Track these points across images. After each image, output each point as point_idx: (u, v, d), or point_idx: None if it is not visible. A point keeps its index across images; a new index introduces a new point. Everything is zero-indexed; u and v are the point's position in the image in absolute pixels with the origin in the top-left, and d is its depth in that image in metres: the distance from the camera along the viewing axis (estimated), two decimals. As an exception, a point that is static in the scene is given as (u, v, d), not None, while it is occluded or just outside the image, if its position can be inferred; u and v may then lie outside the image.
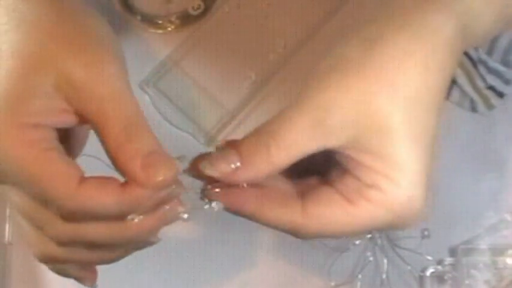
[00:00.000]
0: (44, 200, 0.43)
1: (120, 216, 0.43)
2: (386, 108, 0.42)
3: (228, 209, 0.45)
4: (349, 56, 0.43)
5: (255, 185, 0.45)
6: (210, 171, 0.44)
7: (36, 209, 0.44)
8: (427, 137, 0.43)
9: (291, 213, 0.44)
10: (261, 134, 0.43)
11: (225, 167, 0.43)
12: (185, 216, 0.44)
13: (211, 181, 0.44)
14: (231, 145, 0.44)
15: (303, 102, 0.43)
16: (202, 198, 0.45)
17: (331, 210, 0.44)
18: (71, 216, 0.43)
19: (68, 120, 0.44)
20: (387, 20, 0.44)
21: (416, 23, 0.43)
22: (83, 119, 0.43)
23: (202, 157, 0.45)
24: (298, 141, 0.42)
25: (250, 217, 0.45)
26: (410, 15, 0.43)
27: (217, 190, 0.44)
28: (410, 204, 0.43)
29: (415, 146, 0.43)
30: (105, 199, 0.42)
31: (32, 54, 0.42)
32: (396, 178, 0.43)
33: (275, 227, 0.45)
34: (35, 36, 0.43)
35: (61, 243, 0.45)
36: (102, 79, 0.43)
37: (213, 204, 0.44)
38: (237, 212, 0.45)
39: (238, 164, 0.43)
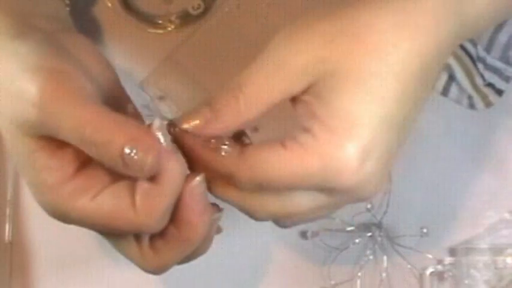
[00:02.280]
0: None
1: None
2: (342, 56, 0.41)
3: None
4: (317, 11, 0.43)
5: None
6: (183, 125, 0.44)
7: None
8: (384, 96, 0.41)
9: (229, 154, 0.44)
10: (230, 87, 0.44)
11: (197, 120, 0.44)
12: None
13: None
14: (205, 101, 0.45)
15: (266, 50, 0.44)
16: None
17: (264, 153, 0.43)
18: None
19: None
20: None
21: None
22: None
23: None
24: (264, 89, 0.43)
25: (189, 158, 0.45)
26: None
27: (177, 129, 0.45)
28: (344, 158, 0.41)
29: (363, 99, 0.41)
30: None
31: None
32: (331, 124, 0.41)
33: (211, 169, 0.44)
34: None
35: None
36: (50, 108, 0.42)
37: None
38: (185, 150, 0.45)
39: (209, 117, 0.44)
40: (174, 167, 0.43)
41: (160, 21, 0.62)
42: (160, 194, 0.43)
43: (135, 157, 0.41)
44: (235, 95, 0.43)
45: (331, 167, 0.41)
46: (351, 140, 0.41)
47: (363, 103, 0.41)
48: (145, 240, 0.46)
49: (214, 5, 0.62)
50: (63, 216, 0.44)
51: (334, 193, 0.43)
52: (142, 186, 0.43)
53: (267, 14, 0.62)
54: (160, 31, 0.62)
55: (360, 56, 0.41)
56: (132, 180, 0.44)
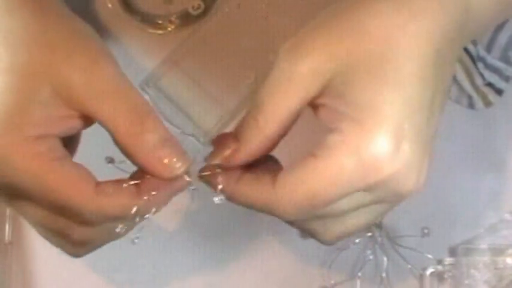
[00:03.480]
0: (61, 209, 0.43)
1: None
2: (349, 50, 0.41)
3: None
4: (320, 16, 0.43)
5: None
6: (211, 159, 0.45)
7: (52, 219, 0.44)
8: (404, 80, 0.41)
9: (262, 187, 0.43)
10: (249, 111, 0.44)
11: (223, 152, 0.44)
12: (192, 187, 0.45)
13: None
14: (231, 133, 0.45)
15: (276, 65, 0.43)
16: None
17: (297, 172, 0.42)
18: (89, 221, 0.43)
19: (72, 126, 0.44)
20: None
21: None
22: (89, 121, 0.44)
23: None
24: (278, 101, 0.43)
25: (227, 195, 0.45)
26: None
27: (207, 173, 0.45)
28: (378, 146, 0.40)
29: (384, 87, 0.40)
30: (123, 202, 0.43)
31: (23, 66, 0.42)
32: (354, 117, 0.40)
33: (251, 205, 0.44)
34: (24, 48, 0.42)
35: (82, 243, 0.46)
36: (102, 78, 0.43)
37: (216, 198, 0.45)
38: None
39: (234, 145, 0.44)
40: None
41: (160, 22, 0.62)
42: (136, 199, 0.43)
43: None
44: (253, 116, 0.43)
45: (367, 160, 0.40)
46: (380, 127, 0.40)
47: (381, 89, 0.40)
48: None
49: (214, 5, 0.62)
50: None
51: (376, 189, 0.42)
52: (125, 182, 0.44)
53: (267, 14, 0.62)
54: (161, 31, 0.62)
55: (367, 45, 0.41)
56: None
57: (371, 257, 0.59)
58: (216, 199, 0.44)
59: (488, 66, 0.60)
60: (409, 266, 0.59)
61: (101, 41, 0.46)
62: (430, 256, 0.59)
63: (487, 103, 0.61)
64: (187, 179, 0.44)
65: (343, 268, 0.59)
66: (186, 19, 0.62)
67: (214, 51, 0.62)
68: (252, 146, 0.44)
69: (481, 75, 0.60)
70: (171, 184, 0.44)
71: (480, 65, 0.60)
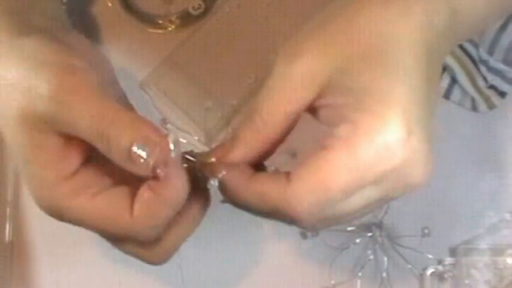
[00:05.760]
0: (116, 239, 0.46)
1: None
2: (345, 47, 0.41)
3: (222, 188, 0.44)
4: (315, 19, 0.43)
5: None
6: (206, 157, 0.45)
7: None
8: (403, 69, 0.40)
9: (277, 184, 0.42)
10: (247, 113, 0.44)
11: (220, 151, 0.45)
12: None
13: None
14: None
15: (274, 70, 0.43)
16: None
17: (311, 166, 0.41)
18: (141, 240, 0.45)
19: (76, 158, 0.45)
20: None
21: None
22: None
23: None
24: (277, 105, 0.43)
25: (232, 197, 0.44)
26: None
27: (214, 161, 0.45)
28: (385, 132, 0.39)
29: (385, 74, 0.40)
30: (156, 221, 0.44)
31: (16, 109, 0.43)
32: (366, 106, 0.40)
33: (265, 204, 0.43)
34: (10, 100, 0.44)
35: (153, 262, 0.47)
36: (73, 92, 0.43)
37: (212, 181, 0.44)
38: (227, 188, 0.44)
39: (231, 144, 0.44)
40: (179, 180, 0.43)
41: (160, 21, 0.62)
42: (160, 205, 0.43)
43: (143, 153, 0.41)
44: (251, 117, 0.44)
45: (380, 147, 0.40)
46: (391, 113, 0.40)
47: (384, 78, 0.40)
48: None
49: (214, 5, 0.62)
50: (59, 213, 0.44)
51: (387, 180, 0.41)
52: (143, 194, 0.43)
53: (267, 14, 0.62)
54: (161, 31, 0.62)
55: (361, 39, 0.41)
56: (133, 188, 0.44)
57: (371, 257, 0.59)
58: (212, 182, 0.44)
59: (491, 69, 0.60)
60: (410, 266, 0.59)
61: (88, 50, 0.47)
62: (430, 256, 0.59)
63: (491, 105, 0.61)
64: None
65: (344, 268, 0.59)
66: (186, 19, 0.62)
67: (214, 51, 0.62)
68: (249, 147, 0.44)
69: (484, 77, 0.60)
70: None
71: (483, 68, 0.60)
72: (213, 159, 0.45)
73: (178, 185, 0.43)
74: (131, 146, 0.41)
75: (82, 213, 0.44)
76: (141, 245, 0.45)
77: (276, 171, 0.45)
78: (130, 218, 0.43)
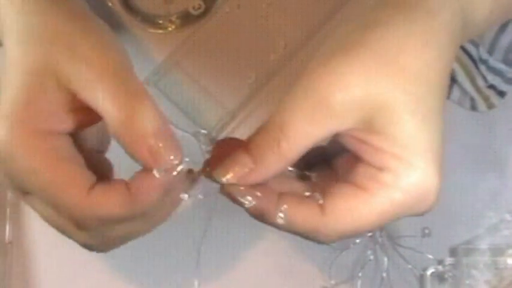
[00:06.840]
0: (57, 209, 0.43)
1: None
2: (388, 88, 0.41)
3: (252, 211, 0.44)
4: (349, 40, 0.42)
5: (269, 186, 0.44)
6: (225, 178, 0.43)
7: (55, 218, 0.44)
8: (432, 116, 0.42)
9: (310, 213, 0.43)
10: (269, 129, 0.42)
11: (239, 171, 0.43)
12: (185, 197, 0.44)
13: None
14: (242, 147, 0.43)
15: (304, 87, 0.42)
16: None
17: (348, 203, 0.42)
18: (82, 224, 0.43)
19: (78, 121, 0.43)
20: (383, 6, 0.43)
21: (410, 6, 0.42)
22: (95, 116, 0.43)
23: (214, 162, 0.44)
24: (306, 129, 0.41)
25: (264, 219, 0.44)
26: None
27: (241, 188, 0.43)
28: (425, 184, 0.42)
29: (421, 124, 0.41)
30: (112, 205, 0.42)
31: (30, 62, 0.42)
32: (405, 157, 0.41)
33: (294, 229, 0.44)
34: (31, 45, 0.43)
35: (84, 246, 0.46)
36: (99, 64, 0.42)
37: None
38: (262, 215, 0.44)
39: (252, 165, 0.43)
40: (155, 196, 0.43)
41: (160, 22, 0.62)
42: (127, 206, 0.42)
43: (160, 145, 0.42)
44: (276, 138, 0.42)
45: (417, 197, 0.42)
46: (430, 166, 0.42)
47: (422, 128, 0.42)
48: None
49: (214, 5, 0.62)
50: (12, 152, 0.42)
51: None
52: (117, 185, 0.43)
53: (267, 14, 0.62)
54: (161, 31, 0.62)
55: (403, 83, 0.41)
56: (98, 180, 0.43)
57: (371, 257, 0.59)
58: (200, 196, 0.44)
59: (490, 69, 0.60)
60: (410, 266, 0.59)
61: (108, 34, 0.45)
62: (430, 256, 0.59)
63: (490, 105, 0.61)
64: (185, 198, 0.44)
65: (344, 268, 0.59)
66: (187, 19, 0.62)
67: (214, 51, 0.62)
68: (271, 170, 0.43)
69: (484, 77, 0.60)
70: (162, 181, 0.43)
71: (482, 67, 0.60)
72: (231, 179, 0.43)
73: (152, 199, 0.43)
74: (156, 132, 0.41)
75: (37, 170, 0.41)
76: (76, 226, 0.44)
77: (306, 197, 0.44)
78: (84, 195, 0.42)
